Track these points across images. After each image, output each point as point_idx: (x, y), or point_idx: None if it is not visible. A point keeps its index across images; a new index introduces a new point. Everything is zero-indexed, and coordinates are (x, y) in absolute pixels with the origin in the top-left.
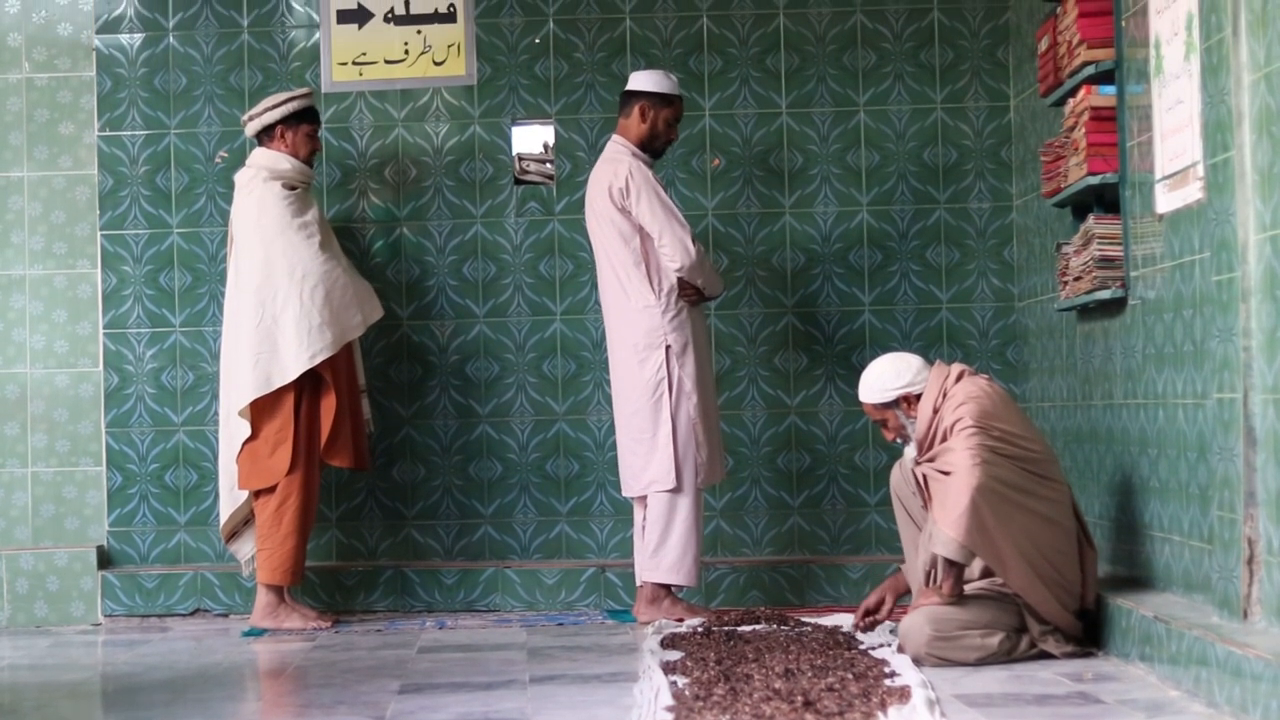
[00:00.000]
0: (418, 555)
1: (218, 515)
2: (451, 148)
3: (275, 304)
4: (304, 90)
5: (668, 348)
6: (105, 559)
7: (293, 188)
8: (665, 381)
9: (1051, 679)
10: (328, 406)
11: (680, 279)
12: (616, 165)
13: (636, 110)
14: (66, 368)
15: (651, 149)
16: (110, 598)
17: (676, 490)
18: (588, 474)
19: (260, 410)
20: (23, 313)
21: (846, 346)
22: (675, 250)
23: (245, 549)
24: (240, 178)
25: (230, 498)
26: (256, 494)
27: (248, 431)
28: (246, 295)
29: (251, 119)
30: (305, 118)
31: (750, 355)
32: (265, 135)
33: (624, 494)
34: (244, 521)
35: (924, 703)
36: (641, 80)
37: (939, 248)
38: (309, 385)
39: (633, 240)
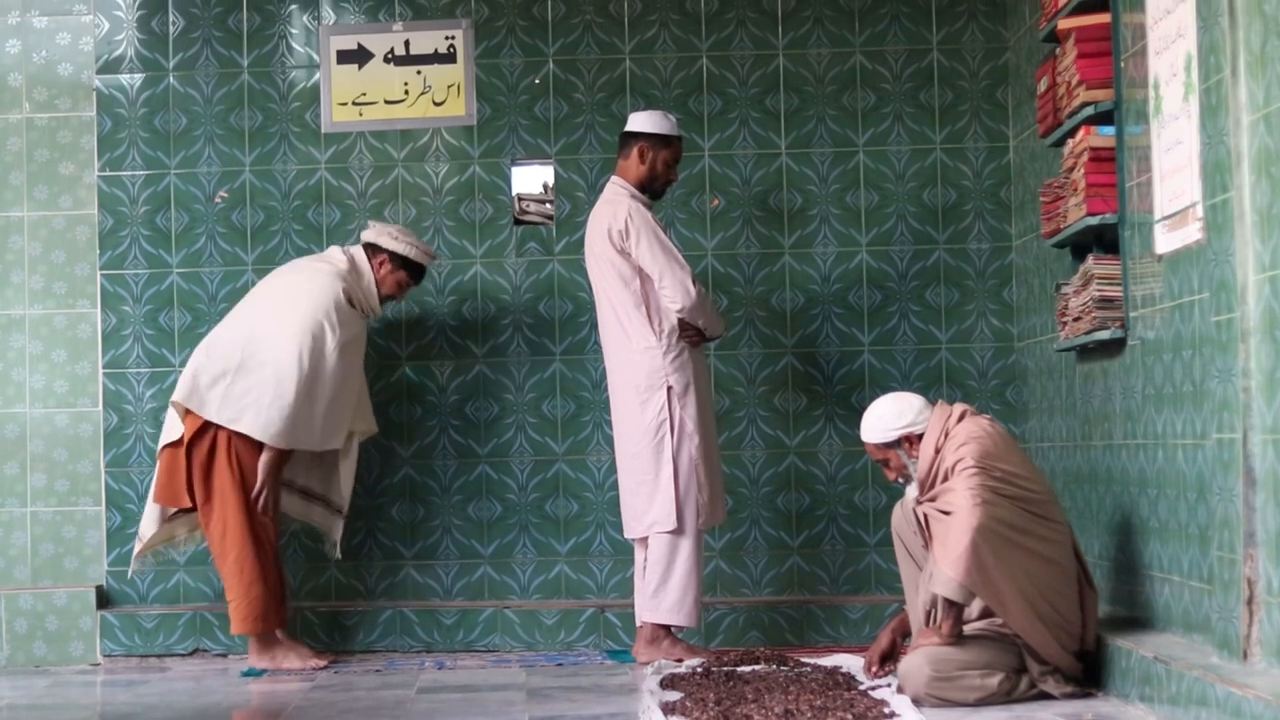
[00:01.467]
0: (417, 595)
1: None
2: (451, 188)
3: (269, 362)
4: (434, 253)
5: (669, 389)
6: (104, 599)
7: (351, 303)
8: (667, 423)
9: None
10: (253, 466)
11: (681, 320)
12: (616, 207)
13: (636, 151)
14: (66, 407)
15: (651, 190)
16: (109, 638)
17: (678, 532)
18: (587, 514)
19: (196, 434)
20: (22, 352)
21: (846, 387)
22: (676, 291)
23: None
24: (319, 258)
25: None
26: (216, 539)
27: (177, 432)
28: (250, 324)
29: (378, 230)
30: (412, 271)
31: (749, 395)
32: (372, 250)
33: (626, 536)
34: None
35: None
36: (640, 121)
37: (938, 288)
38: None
39: (633, 282)
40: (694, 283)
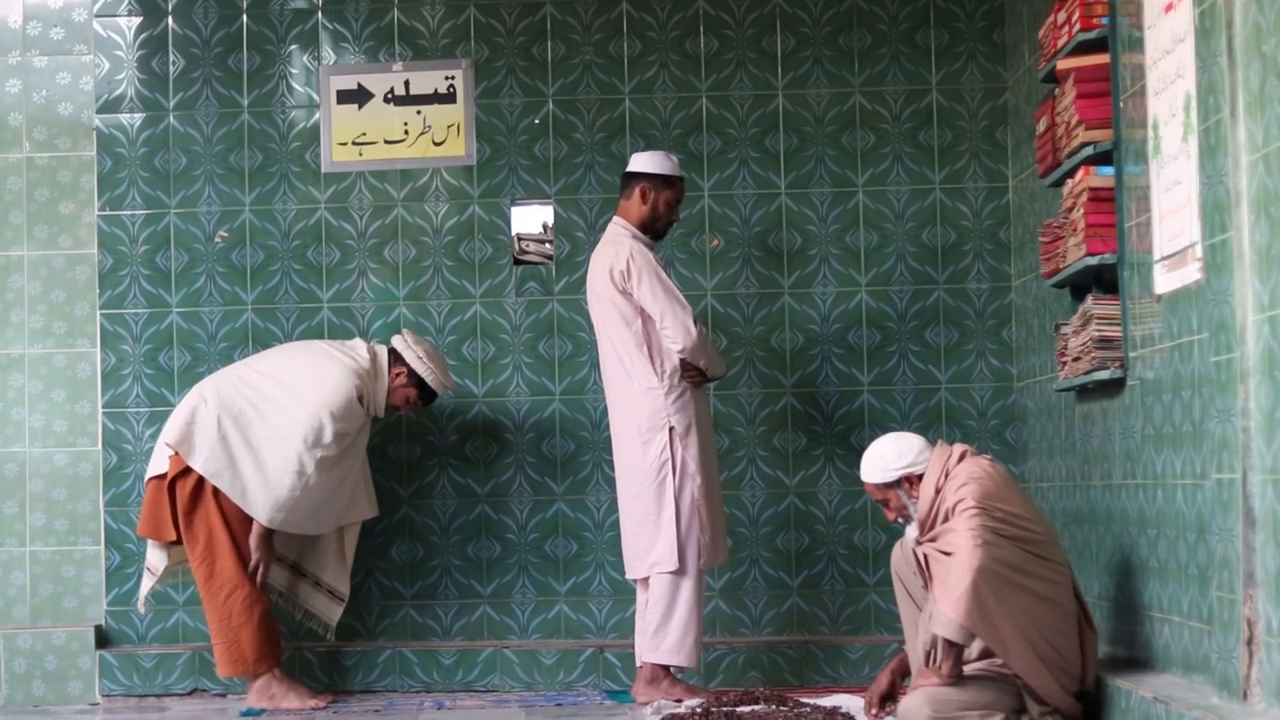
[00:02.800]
0: (416, 635)
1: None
2: (451, 228)
3: (265, 443)
4: (452, 385)
5: (671, 429)
6: (103, 638)
7: (361, 401)
8: (669, 463)
9: None
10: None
11: (683, 360)
12: (617, 247)
13: (638, 192)
14: (65, 447)
15: (653, 230)
16: (108, 677)
17: (679, 572)
18: (586, 554)
19: (182, 471)
20: (22, 391)
21: (845, 427)
22: (677, 332)
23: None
24: (343, 348)
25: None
26: (202, 580)
27: (163, 466)
28: (258, 391)
29: (410, 342)
30: (425, 393)
31: (749, 435)
32: (396, 358)
33: (627, 576)
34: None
35: None
36: (642, 162)
37: (938, 328)
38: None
39: (634, 322)
40: (695, 323)
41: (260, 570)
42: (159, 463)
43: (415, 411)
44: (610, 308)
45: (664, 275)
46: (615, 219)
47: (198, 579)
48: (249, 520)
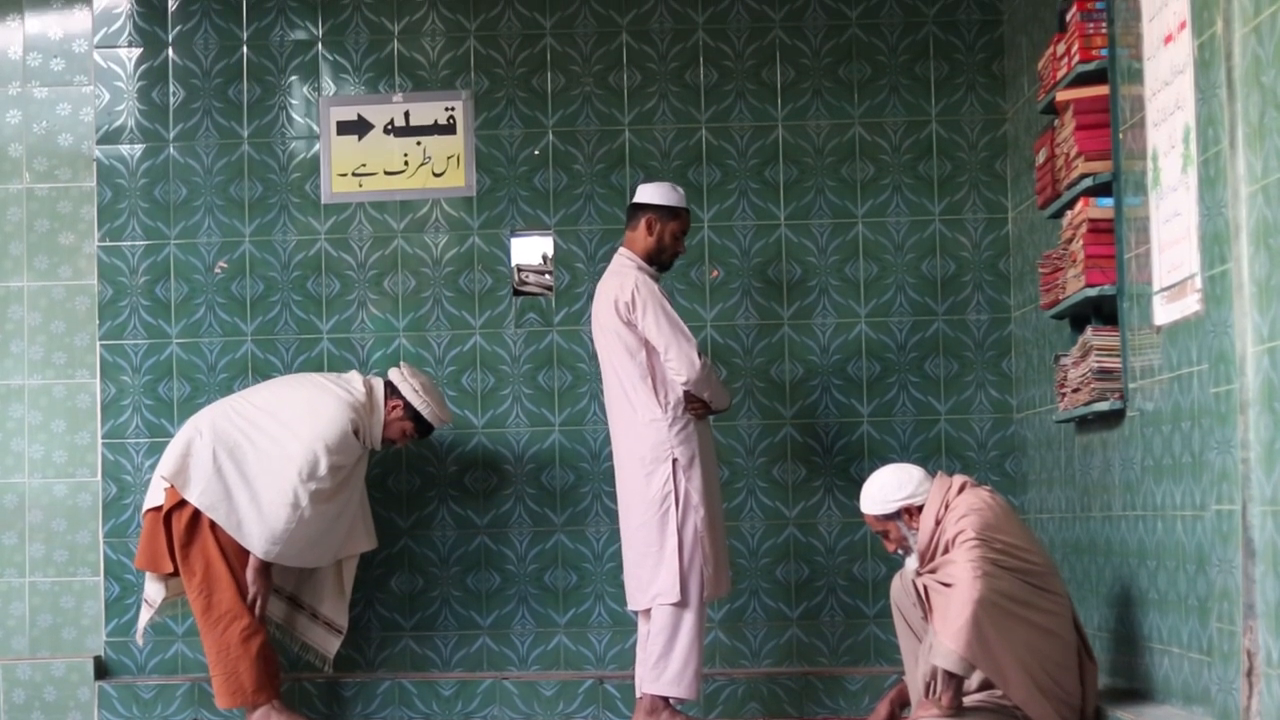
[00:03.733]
0: (416, 666)
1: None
2: (450, 259)
3: (261, 475)
4: (449, 419)
5: (674, 461)
6: (102, 669)
7: (356, 434)
8: (672, 495)
9: None
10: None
11: (687, 392)
12: (623, 278)
13: (644, 223)
14: (65, 477)
15: (658, 262)
16: (107, 708)
17: (681, 604)
18: (586, 585)
19: (178, 504)
20: (21, 422)
21: (845, 458)
22: (681, 364)
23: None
24: (339, 380)
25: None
26: (200, 612)
27: (159, 498)
28: (254, 424)
29: (406, 376)
30: (420, 424)
31: (749, 466)
32: (392, 390)
33: (629, 607)
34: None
35: None
36: (649, 193)
37: (937, 359)
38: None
39: (639, 353)
40: (699, 355)
41: (259, 602)
42: (155, 495)
43: (413, 443)
44: (615, 339)
45: (668, 307)
46: (621, 250)
47: (195, 610)
48: (246, 552)
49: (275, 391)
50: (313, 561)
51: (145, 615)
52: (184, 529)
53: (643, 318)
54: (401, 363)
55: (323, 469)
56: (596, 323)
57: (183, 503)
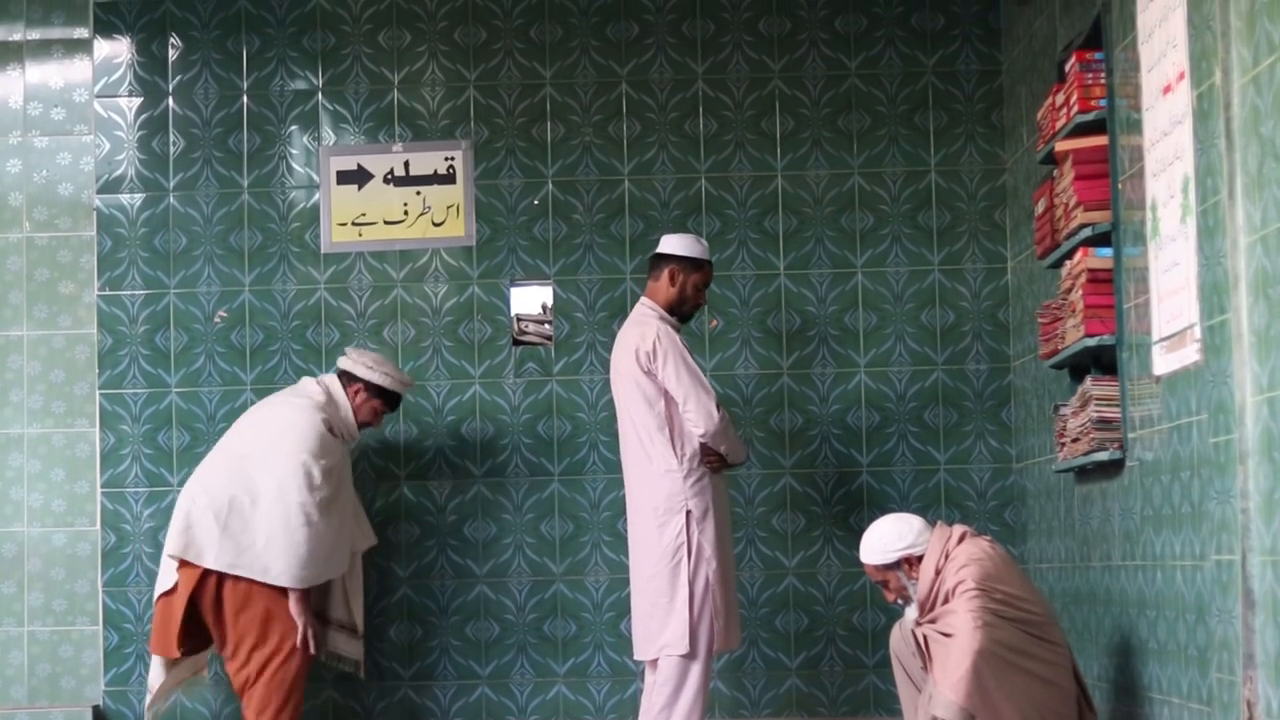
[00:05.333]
0: (415, 716)
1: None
2: (450, 308)
3: (266, 503)
4: (410, 381)
5: (688, 513)
6: (101, 719)
7: (333, 432)
8: (685, 546)
9: None
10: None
11: (703, 444)
12: (644, 328)
13: (666, 274)
14: (64, 526)
15: (679, 313)
16: None
17: (690, 656)
18: (585, 635)
19: (199, 585)
20: (20, 471)
21: (844, 508)
22: (699, 416)
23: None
24: (293, 392)
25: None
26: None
27: (170, 581)
28: (237, 466)
29: (354, 359)
30: (388, 400)
31: (748, 516)
32: (348, 378)
33: (636, 657)
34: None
35: None
36: (672, 244)
37: (936, 409)
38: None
39: (657, 403)
40: (718, 408)
41: (310, 633)
42: (165, 579)
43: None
44: (634, 388)
45: (689, 358)
46: (643, 299)
47: (244, 681)
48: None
49: (241, 432)
50: (337, 570)
51: (148, 699)
52: (211, 609)
53: (663, 368)
54: (347, 349)
55: (318, 477)
56: (616, 371)
57: (201, 583)
